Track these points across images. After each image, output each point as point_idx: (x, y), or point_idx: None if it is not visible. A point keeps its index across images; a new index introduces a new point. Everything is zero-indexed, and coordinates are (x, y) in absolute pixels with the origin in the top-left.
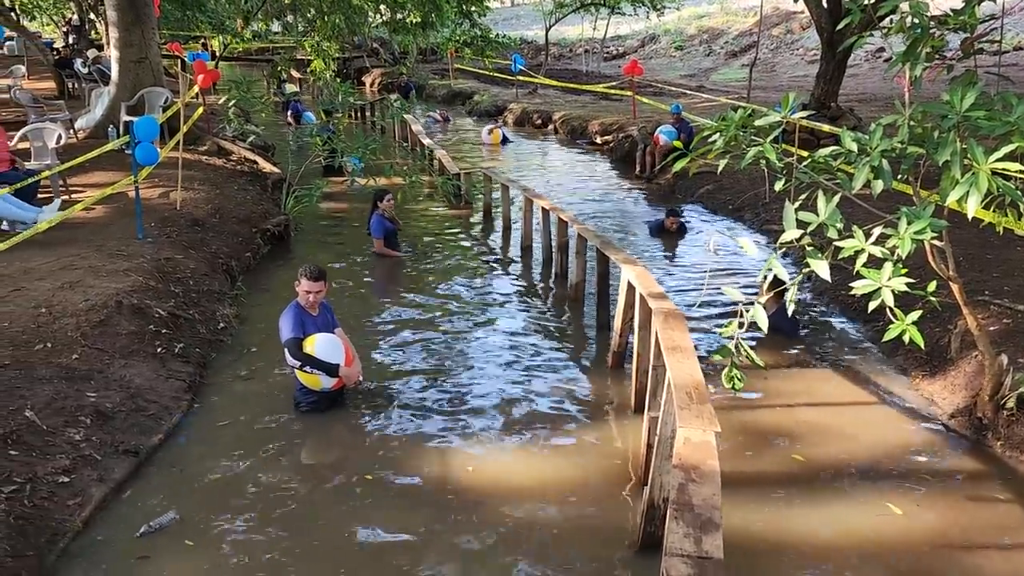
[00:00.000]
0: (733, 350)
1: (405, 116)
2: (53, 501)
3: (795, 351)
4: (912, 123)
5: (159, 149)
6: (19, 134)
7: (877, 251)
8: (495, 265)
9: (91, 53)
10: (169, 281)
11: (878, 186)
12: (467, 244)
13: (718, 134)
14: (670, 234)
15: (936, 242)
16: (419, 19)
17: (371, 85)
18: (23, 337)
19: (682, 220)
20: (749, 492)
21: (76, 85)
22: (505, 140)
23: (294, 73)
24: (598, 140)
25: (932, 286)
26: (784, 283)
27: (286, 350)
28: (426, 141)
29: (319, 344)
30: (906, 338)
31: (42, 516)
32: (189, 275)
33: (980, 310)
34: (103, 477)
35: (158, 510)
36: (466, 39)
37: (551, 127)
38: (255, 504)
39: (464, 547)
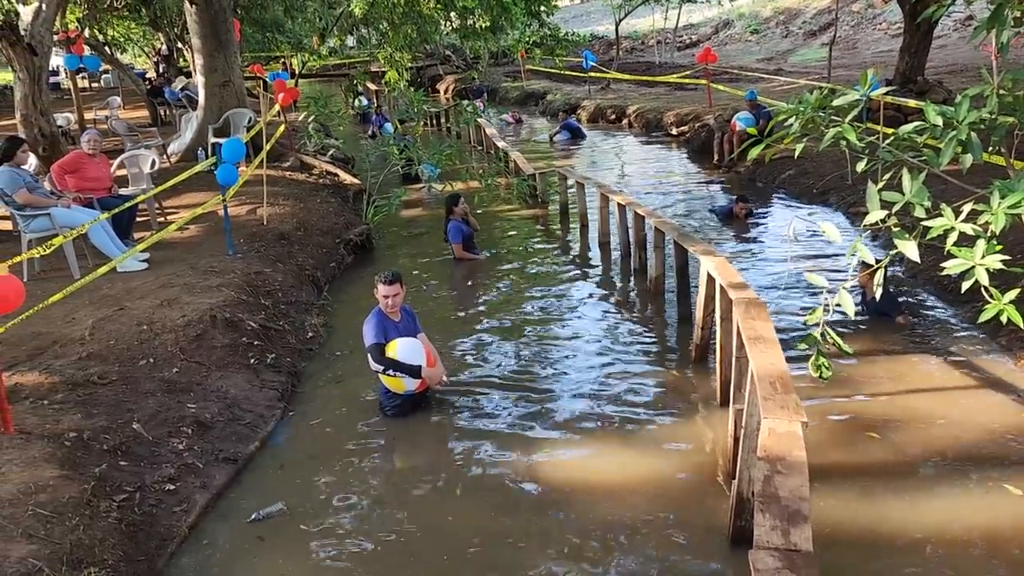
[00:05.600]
0: (819, 338)
1: (479, 120)
2: (161, 508)
3: (889, 336)
4: (1001, 92)
5: (244, 168)
6: (116, 162)
7: (968, 228)
8: (573, 263)
9: (179, 80)
10: (259, 294)
11: (967, 160)
12: (545, 243)
13: (794, 117)
14: (741, 221)
15: None
16: (488, 23)
17: (445, 92)
18: (128, 353)
19: (751, 206)
20: (844, 483)
21: (168, 112)
22: (577, 133)
23: (370, 85)
24: (674, 131)
25: None
26: (884, 265)
27: (369, 356)
28: (500, 144)
29: (400, 348)
30: (1004, 318)
31: (151, 523)
32: (278, 287)
33: None
34: (206, 484)
35: (266, 503)
36: (535, 39)
37: (626, 121)
38: (354, 499)
39: (556, 542)
